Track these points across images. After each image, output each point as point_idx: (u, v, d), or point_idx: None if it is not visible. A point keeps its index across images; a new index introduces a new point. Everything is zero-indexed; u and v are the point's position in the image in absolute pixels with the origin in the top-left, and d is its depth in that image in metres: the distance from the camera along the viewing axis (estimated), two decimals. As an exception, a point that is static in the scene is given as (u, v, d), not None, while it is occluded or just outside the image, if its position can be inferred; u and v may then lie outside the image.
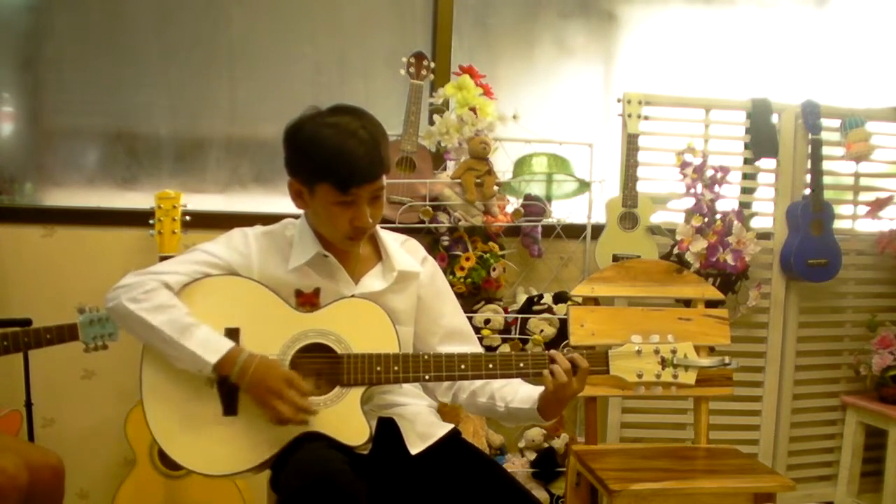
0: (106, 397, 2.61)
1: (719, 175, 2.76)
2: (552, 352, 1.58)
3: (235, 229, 1.69)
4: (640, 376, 1.58)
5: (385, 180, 1.59)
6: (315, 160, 1.54)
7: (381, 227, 1.76)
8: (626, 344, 1.59)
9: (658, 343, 1.59)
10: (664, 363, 1.58)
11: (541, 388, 1.60)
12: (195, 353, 1.50)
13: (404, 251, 1.75)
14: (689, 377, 1.58)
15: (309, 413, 1.51)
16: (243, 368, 1.50)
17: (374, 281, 1.68)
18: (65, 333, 2.14)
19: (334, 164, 1.51)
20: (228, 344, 1.53)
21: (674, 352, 1.58)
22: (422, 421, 1.67)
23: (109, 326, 2.15)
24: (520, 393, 1.65)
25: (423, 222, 2.62)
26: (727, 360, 1.63)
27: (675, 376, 1.58)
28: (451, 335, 1.76)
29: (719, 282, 2.71)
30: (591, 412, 2.26)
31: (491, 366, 1.58)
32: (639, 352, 1.58)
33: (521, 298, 2.77)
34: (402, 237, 1.80)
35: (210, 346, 1.51)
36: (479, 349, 1.78)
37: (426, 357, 1.58)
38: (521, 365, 1.58)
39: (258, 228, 1.70)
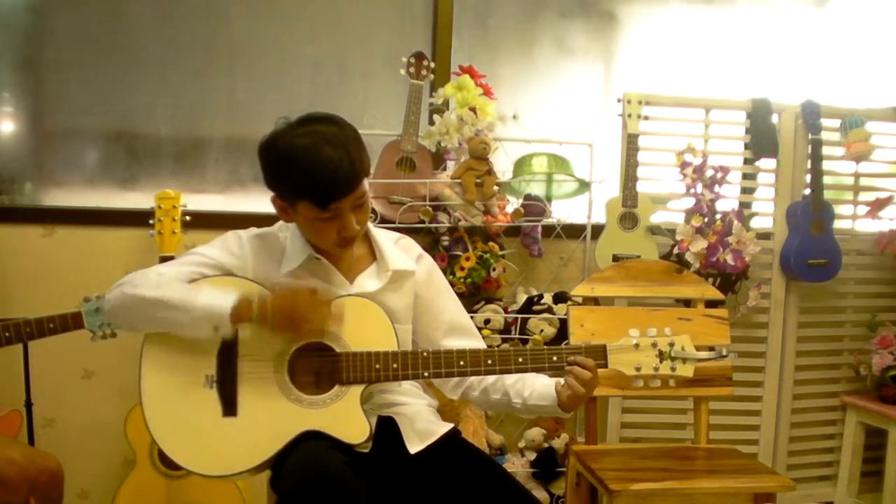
0: (106, 397, 2.61)
1: (719, 175, 2.76)
2: (578, 359, 1.57)
3: (230, 232, 1.68)
4: (638, 369, 1.58)
5: (366, 184, 1.57)
6: (291, 179, 1.53)
7: (378, 226, 1.76)
8: (623, 338, 1.59)
9: (655, 336, 1.59)
10: (662, 356, 1.58)
11: (555, 381, 1.61)
12: (207, 307, 1.48)
13: (399, 249, 1.74)
14: (687, 370, 1.58)
15: (336, 316, 1.52)
16: (261, 306, 1.49)
17: (368, 281, 1.68)
18: (68, 322, 2.12)
19: (309, 182, 1.50)
20: (236, 292, 1.51)
21: (671, 345, 1.58)
22: (421, 420, 1.67)
23: None
24: (536, 388, 1.65)
25: (423, 222, 2.62)
26: (724, 352, 1.63)
27: (673, 369, 1.58)
28: (453, 330, 1.76)
29: (719, 282, 2.71)
30: (591, 412, 2.26)
31: (490, 361, 1.58)
32: (636, 345, 1.59)
33: (521, 298, 2.77)
34: (396, 235, 1.79)
35: (220, 297, 1.50)
36: (481, 343, 1.78)
37: (425, 354, 1.58)
38: (520, 360, 1.58)
39: (252, 231, 1.69)
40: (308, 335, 1.53)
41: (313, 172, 1.49)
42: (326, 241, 1.59)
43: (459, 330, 1.77)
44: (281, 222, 1.71)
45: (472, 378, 1.72)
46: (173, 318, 1.50)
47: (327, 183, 1.49)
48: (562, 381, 1.60)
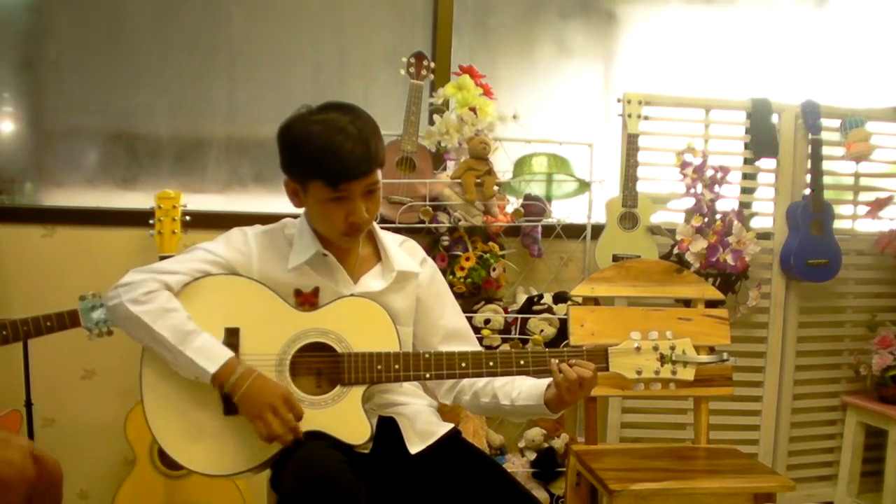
0: (106, 397, 2.61)
1: (719, 175, 2.76)
2: (563, 366, 1.55)
3: (234, 228, 1.69)
4: (639, 373, 1.58)
5: (379, 175, 1.58)
6: (304, 158, 1.54)
7: (381, 228, 1.76)
8: (625, 341, 1.59)
9: (657, 340, 1.60)
10: (663, 359, 1.58)
11: (545, 381, 1.60)
12: (194, 361, 1.49)
13: (403, 251, 1.75)
14: (688, 373, 1.59)
15: (297, 436, 1.50)
16: (240, 379, 1.49)
17: (373, 281, 1.68)
18: (65, 320, 2.12)
19: (322, 160, 1.51)
20: (227, 354, 1.52)
21: (672, 348, 1.59)
22: (422, 420, 1.66)
23: None
24: (524, 388, 1.64)
25: (423, 222, 2.62)
26: (725, 355, 1.64)
27: (674, 372, 1.58)
28: (451, 336, 1.76)
29: (719, 282, 2.71)
30: (591, 412, 2.26)
31: (491, 364, 1.58)
32: (638, 349, 1.59)
33: (521, 298, 2.77)
34: (401, 238, 1.80)
35: (209, 355, 1.50)
36: (479, 349, 1.78)
37: (427, 356, 1.58)
38: (522, 363, 1.58)
39: (257, 228, 1.70)
40: (258, 433, 1.50)
41: (327, 151, 1.51)
42: (334, 225, 1.59)
43: (457, 336, 1.77)
44: (286, 220, 1.72)
45: (464, 382, 1.72)
46: (161, 352, 1.52)
47: (340, 162, 1.51)
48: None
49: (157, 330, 1.50)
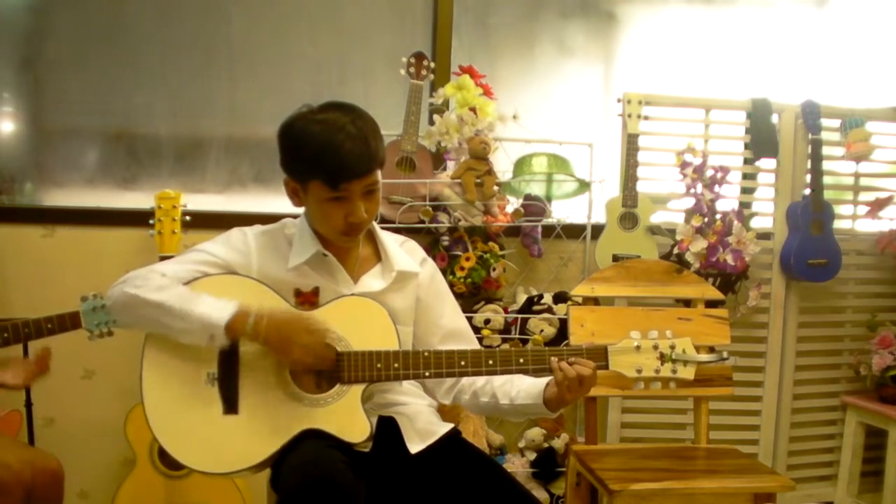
0: (106, 397, 2.61)
1: (719, 175, 2.76)
2: (563, 364, 1.55)
3: (234, 228, 1.69)
4: (639, 371, 1.58)
5: (379, 175, 1.59)
6: (304, 157, 1.54)
7: (381, 228, 1.77)
8: (624, 340, 1.59)
9: (657, 339, 1.60)
10: (663, 358, 1.58)
11: (544, 380, 1.61)
12: (205, 317, 1.49)
13: (403, 251, 1.75)
14: (689, 372, 1.59)
15: (332, 337, 1.53)
16: (257, 321, 1.50)
17: (373, 280, 1.69)
18: (66, 322, 2.12)
19: (322, 160, 1.51)
20: (235, 303, 1.52)
21: (672, 347, 1.59)
22: (422, 420, 1.67)
23: None
24: (524, 387, 1.65)
25: (423, 222, 2.62)
26: (725, 354, 1.64)
27: (674, 371, 1.58)
28: (450, 336, 1.76)
29: (719, 282, 2.71)
30: (591, 412, 2.26)
31: (491, 362, 1.58)
32: (638, 347, 1.59)
33: (521, 298, 2.77)
34: (402, 238, 1.80)
35: (218, 308, 1.51)
36: (478, 348, 1.78)
37: (426, 354, 1.58)
38: (521, 361, 1.58)
39: (257, 228, 1.70)
40: (297, 363, 1.53)
41: (327, 151, 1.51)
42: (333, 225, 1.59)
43: (457, 336, 1.77)
44: (286, 220, 1.72)
45: (464, 381, 1.73)
46: (171, 323, 1.51)
47: (340, 161, 1.51)
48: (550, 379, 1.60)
49: (160, 300, 1.50)
